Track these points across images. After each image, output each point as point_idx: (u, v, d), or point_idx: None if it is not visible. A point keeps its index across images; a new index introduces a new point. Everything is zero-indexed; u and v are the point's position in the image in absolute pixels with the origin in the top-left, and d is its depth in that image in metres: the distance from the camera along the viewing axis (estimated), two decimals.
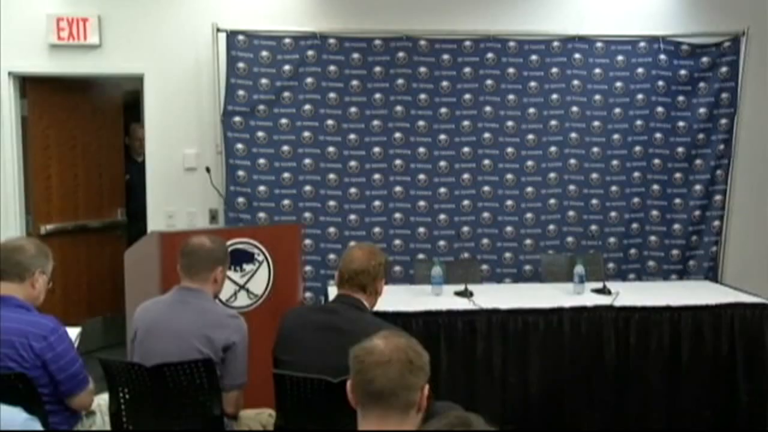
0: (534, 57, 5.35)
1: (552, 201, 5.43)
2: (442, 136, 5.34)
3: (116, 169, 5.98)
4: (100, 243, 5.82)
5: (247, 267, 3.78)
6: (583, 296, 4.34)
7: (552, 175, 5.42)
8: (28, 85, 5.30)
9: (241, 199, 5.18)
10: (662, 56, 5.40)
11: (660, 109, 5.44)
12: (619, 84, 5.41)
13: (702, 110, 5.45)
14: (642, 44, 5.40)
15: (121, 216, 5.96)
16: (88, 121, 5.69)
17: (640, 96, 5.41)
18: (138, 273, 3.90)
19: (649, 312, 4.12)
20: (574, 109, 5.40)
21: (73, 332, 3.00)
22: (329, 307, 2.99)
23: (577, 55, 5.38)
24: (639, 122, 5.44)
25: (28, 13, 5.10)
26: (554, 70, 5.37)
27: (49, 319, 2.66)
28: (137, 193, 5.81)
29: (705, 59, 5.44)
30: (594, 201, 5.46)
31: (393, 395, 1.73)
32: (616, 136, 5.44)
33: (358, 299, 2.89)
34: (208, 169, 5.16)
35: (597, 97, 5.41)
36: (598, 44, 5.39)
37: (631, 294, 4.38)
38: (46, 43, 5.13)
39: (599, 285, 4.48)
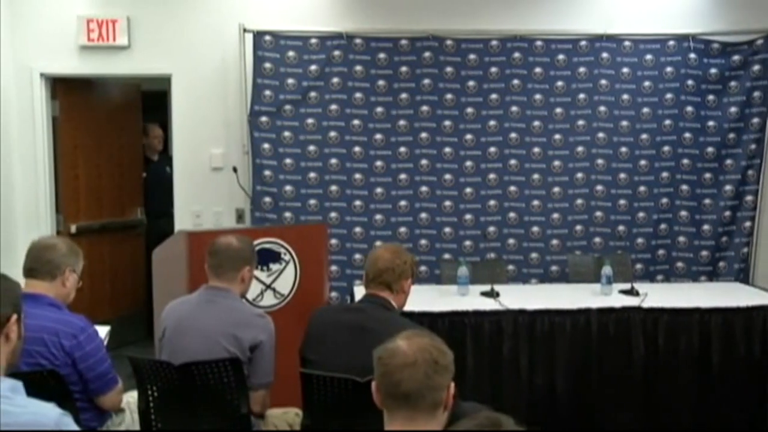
0: (561, 56, 5.32)
1: (579, 201, 5.40)
2: (469, 136, 5.33)
3: (136, 169, 6.07)
4: (122, 241, 5.91)
5: (274, 266, 3.79)
6: (611, 297, 4.31)
7: (579, 175, 5.38)
8: (58, 86, 5.38)
9: (267, 199, 5.21)
10: (692, 55, 5.35)
11: (689, 108, 5.38)
12: (647, 83, 5.36)
13: (733, 109, 5.38)
14: (671, 43, 5.35)
15: (141, 215, 6.04)
16: (110, 121, 5.77)
17: (669, 95, 5.36)
18: (165, 272, 3.93)
19: (678, 314, 4.08)
20: (602, 108, 5.36)
21: (103, 330, 3.04)
22: (356, 307, 2.99)
23: (604, 55, 5.35)
24: (668, 122, 5.39)
25: (59, 15, 5.18)
26: (581, 69, 5.34)
27: (79, 318, 2.69)
28: (154, 191, 5.90)
29: (736, 57, 5.37)
30: (622, 201, 5.41)
31: (420, 396, 1.72)
32: (644, 136, 5.39)
33: (386, 298, 2.90)
34: (235, 169, 5.19)
35: (625, 96, 5.36)
36: (626, 43, 5.34)
37: (659, 295, 4.33)
38: (76, 44, 5.20)
39: (627, 286, 4.44)
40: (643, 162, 5.40)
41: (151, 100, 6.28)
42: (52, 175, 5.39)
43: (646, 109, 5.38)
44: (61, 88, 5.39)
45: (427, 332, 1.90)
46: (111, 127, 5.78)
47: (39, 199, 5.29)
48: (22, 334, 1.90)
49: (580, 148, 5.38)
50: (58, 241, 2.87)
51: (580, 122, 5.36)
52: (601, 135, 5.38)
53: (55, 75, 5.30)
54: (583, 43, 5.33)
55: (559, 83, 5.33)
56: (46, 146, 5.31)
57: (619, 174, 5.41)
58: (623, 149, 5.39)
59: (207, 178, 5.36)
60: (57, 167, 5.42)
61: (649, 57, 5.35)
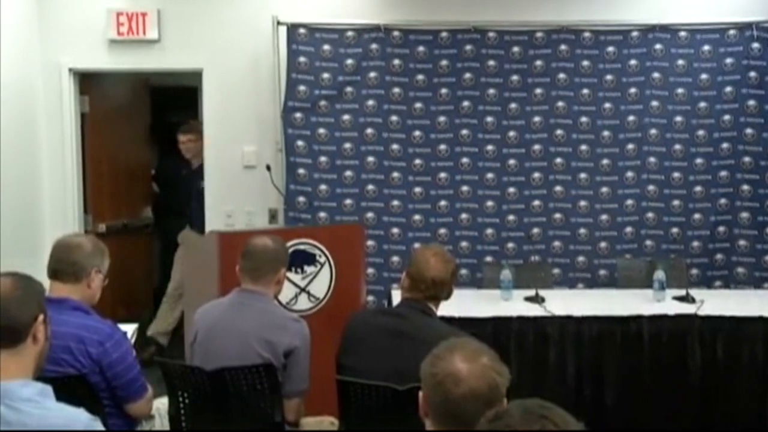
0: (610, 48, 5.24)
1: (629, 202, 5.31)
2: (512, 133, 5.28)
3: (147, 166, 6.21)
4: (137, 241, 5.99)
5: (309, 269, 3.79)
6: (664, 304, 4.24)
7: (629, 174, 5.29)
8: (87, 82, 5.44)
9: (301, 199, 5.22)
10: (755, 44, 5.21)
11: (752, 102, 5.25)
12: (704, 76, 5.25)
13: None
14: (732, 32, 5.22)
15: (148, 213, 6.12)
16: (131, 117, 5.86)
17: (728, 89, 5.24)
18: (196, 274, 3.95)
19: (739, 323, 3.98)
20: (654, 103, 5.26)
21: (130, 328, 3.03)
22: (396, 311, 2.98)
23: (657, 46, 5.25)
24: (727, 117, 5.26)
25: (87, 8, 5.24)
26: (632, 62, 5.25)
27: (107, 324, 2.67)
28: (168, 189, 5.92)
29: None
30: (676, 202, 5.30)
31: (476, 418, 1.67)
32: (700, 132, 5.28)
33: (424, 303, 2.89)
34: (268, 167, 5.20)
35: (680, 90, 5.26)
36: (682, 33, 5.24)
37: (718, 303, 4.24)
38: (105, 38, 5.26)
39: (682, 292, 4.35)
40: (699, 160, 5.29)
41: (181, 96, 6.34)
42: (81, 174, 5.46)
43: (702, 104, 5.26)
44: (90, 83, 5.46)
45: (476, 342, 1.86)
46: (131, 123, 5.87)
47: (67, 199, 5.35)
48: (48, 335, 1.92)
49: (630, 146, 5.29)
50: (83, 239, 2.83)
51: (631, 118, 5.27)
52: (653, 132, 5.28)
53: (83, 70, 5.36)
54: (634, 34, 5.24)
55: (609, 77, 5.25)
56: (75, 143, 5.37)
57: (672, 173, 5.30)
58: (677, 147, 5.28)
59: (239, 177, 5.38)
60: (84, 165, 5.48)
61: (706, 48, 5.24)
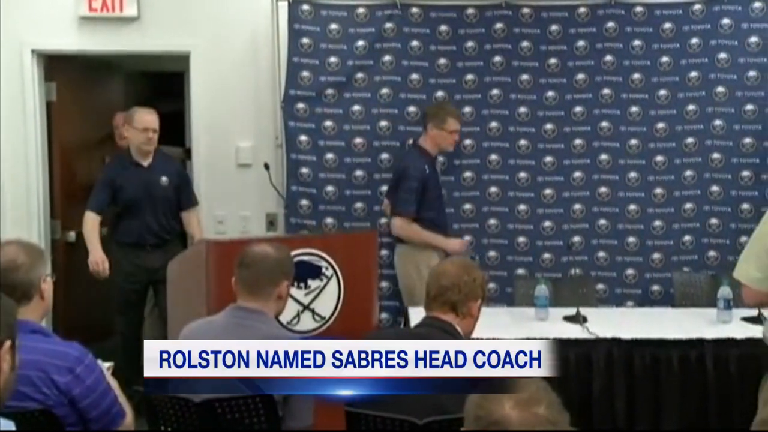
0: (667, 25, 5.22)
1: (688, 205, 5.27)
2: (549, 126, 5.29)
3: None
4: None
5: (313, 283, 3.78)
6: (731, 326, 4.19)
7: (688, 172, 5.26)
8: (53, 66, 5.44)
9: (304, 202, 5.21)
10: None
11: None
12: (752, 73, 5.21)
13: None
14: None
15: None
16: (105, 107, 5.83)
17: None
18: (182, 289, 3.94)
19: None
20: (720, 89, 5.23)
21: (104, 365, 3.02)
22: (414, 332, 2.98)
23: (725, 21, 5.21)
24: None
25: None
26: (694, 40, 5.22)
27: (72, 347, 2.64)
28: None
29: None
30: (745, 206, 5.26)
31: None
32: None
33: (449, 323, 2.87)
34: (266, 166, 5.20)
35: (751, 73, 5.21)
36: (757, 4, 5.18)
37: None
38: (75, 15, 5.25)
39: (753, 312, 4.28)
40: None
41: (165, 83, 6.35)
42: (47, 174, 5.45)
43: (750, 106, 5.22)
44: (58, 67, 5.45)
45: (537, 383, 1.85)
46: (107, 114, 5.80)
47: (30, 203, 5.35)
48: (16, 365, 1.89)
49: (690, 140, 5.26)
50: (16, 254, 2.75)
51: (691, 107, 5.25)
52: (718, 123, 5.24)
53: (50, 52, 5.35)
54: (696, 6, 5.21)
55: (664, 59, 5.23)
56: (39, 137, 5.37)
57: (741, 171, 5.26)
58: (747, 140, 5.24)
59: (232, 177, 5.38)
60: (51, 163, 5.47)
61: (753, 40, 5.19)
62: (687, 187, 5.28)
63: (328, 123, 5.22)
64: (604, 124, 5.26)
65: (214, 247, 3.72)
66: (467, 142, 5.26)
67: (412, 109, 5.23)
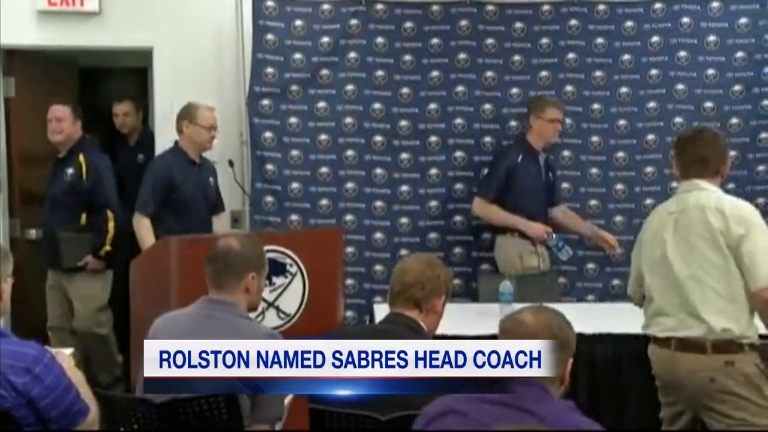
0: (629, 23, 5.26)
1: (648, 201, 5.22)
2: (513, 123, 5.28)
3: None
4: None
5: (278, 281, 3.74)
6: None
7: (648, 168, 5.29)
8: (11, 61, 5.35)
9: (269, 199, 5.18)
10: None
11: None
12: (740, 54, 5.24)
13: None
14: None
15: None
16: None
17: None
18: (146, 289, 3.91)
19: None
20: (680, 87, 5.27)
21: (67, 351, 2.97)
22: (379, 328, 2.96)
23: (685, 19, 5.26)
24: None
25: None
26: (654, 39, 5.26)
27: (31, 346, 2.58)
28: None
29: None
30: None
31: None
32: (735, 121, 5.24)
33: (413, 319, 2.86)
34: (230, 163, 5.17)
35: (710, 71, 5.26)
36: (715, 3, 5.22)
37: None
38: (33, 8, 5.17)
39: None
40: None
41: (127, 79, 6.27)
42: (6, 171, 5.37)
43: (737, 87, 5.25)
44: (17, 63, 5.37)
45: (552, 309, 2.30)
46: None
47: None
48: None
49: (650, 136, 5.29)
50: None
51: (651, 104, 5.28)
52: (678, 120, 5.25)
53: (7, 46, 5.25)
54: (657, 5, 5.24)
55: (626, 56, 5.26)
56: None
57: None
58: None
59: None
60: (10, 160, 5.39)
61: (743, 21, 5.22)
62: (647, 183, 5.30)
63: (293, 120, 5.19)
64: (568, 120, 5.25)
65: (178, 245, 3.70)
66: (432, 139, 5.25)
67: (377, 105, 5.21)
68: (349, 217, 5.21)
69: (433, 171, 5.26)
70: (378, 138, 5.22)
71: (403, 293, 2.86)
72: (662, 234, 3.33)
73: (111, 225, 4.92)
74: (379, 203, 5.24)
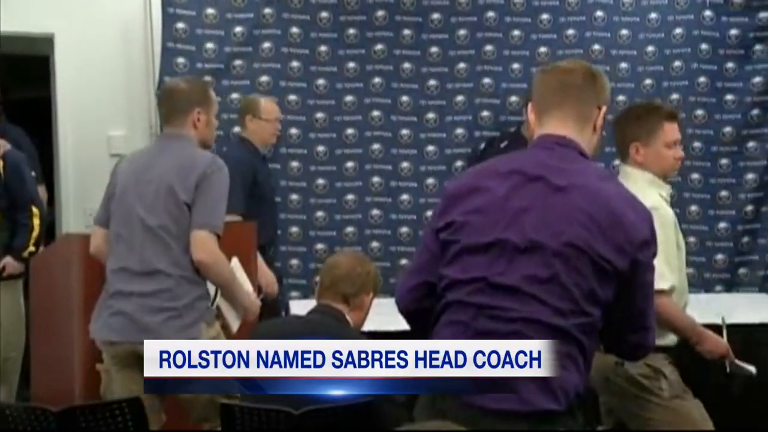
0: (545, 16, 5.27)
1: None
2: (431, 115, 5.27)
3: None
4: None
5: None
6: None
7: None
8: None
9: None
10: (707, 12, 5.29)
11: (702, 79, 5.32)
12: (650, 48, 5.31)
13: (757, 79, 5.33)
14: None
15: None
16: None
17: (677, 63, 5.31)
18: (46, 285, 3.83)
19: None
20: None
21: None
22: (306, 318, 3.04)
23: (599, 13, 5.30)
24: (675, 96, 5.29)
25: None
26: (570, 32, 5.29)
27: None
28: None
29: (763, 15, 5.30)
30: None
31: None
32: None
33: (340, 311, 2.96)
34: None
35: (623, 65, 5.31)
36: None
37: None
38: None
39: None
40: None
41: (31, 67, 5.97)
42: None
43: (648, 81, 5.33)
44: None
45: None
46: None
47: None
48: None
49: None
50: None
51: None
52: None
53: None
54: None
55: (542, 49, 5.28)
56: None
57: (613, 161, 5.32)
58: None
59: (104, 168, 4.99)
60: None
61: (653, 16, 5.31)
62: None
63: None
64: (485, 113, 5.28)
65: (81, 242, 3.60)
66: (349, 131, 5.22)
67: (292, 97, 5.16)
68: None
69: (350, 164, 5.21)
70: (294, 131, 5.15)
71: (333, 287, 2.99)
72: None
73: (36, 222, 4.52)
74: (294, 196, 5.16)
